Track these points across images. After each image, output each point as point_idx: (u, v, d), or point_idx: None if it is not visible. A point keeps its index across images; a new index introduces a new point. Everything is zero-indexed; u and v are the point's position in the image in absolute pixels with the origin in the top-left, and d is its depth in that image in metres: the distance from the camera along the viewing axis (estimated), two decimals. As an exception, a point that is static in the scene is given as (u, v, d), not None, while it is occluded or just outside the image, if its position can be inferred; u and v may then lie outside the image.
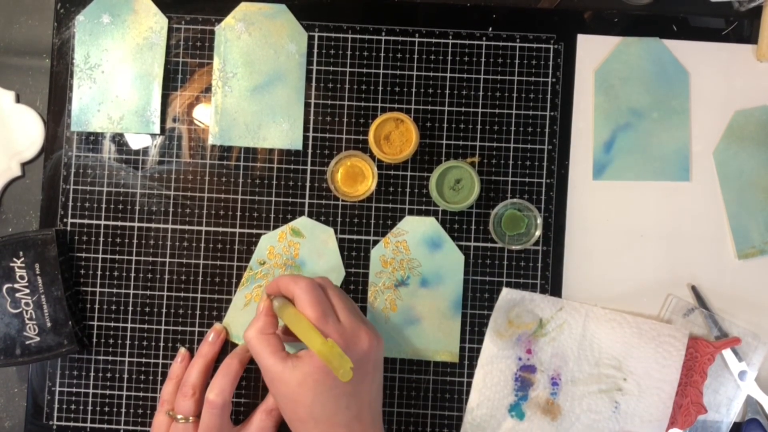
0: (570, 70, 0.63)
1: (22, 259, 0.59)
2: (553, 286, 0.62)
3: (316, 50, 0.63)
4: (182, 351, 0.61)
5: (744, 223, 0.62)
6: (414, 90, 0.62)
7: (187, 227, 0.62)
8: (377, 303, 0.61)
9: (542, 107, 0.62)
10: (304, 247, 0.62)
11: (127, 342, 0.62)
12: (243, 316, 0.61)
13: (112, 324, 0.62)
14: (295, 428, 0.53)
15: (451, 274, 0.61)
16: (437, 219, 0.62)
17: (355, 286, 0.62)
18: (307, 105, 0.62)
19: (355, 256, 0.62)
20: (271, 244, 0.62)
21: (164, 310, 0.62)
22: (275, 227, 0.62)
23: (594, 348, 0.61)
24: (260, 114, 0.62)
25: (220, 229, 0.62)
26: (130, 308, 0.62)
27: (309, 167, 0.62)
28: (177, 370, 0.60)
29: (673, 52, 0.62)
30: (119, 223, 0.62)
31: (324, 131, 0.62)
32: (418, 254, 0.61)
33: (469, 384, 0.61)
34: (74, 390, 0.62)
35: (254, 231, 0.62)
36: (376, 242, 0.62)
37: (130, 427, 0.62)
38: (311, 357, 0.51)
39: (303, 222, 0.62)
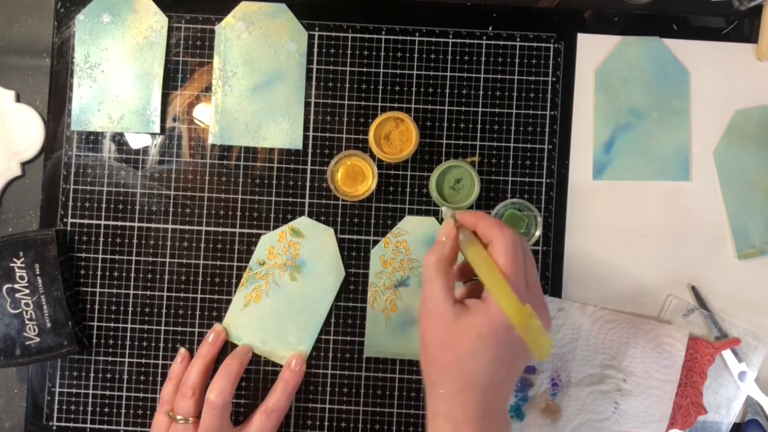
0: (570, 69, 0.63)
1: (22, 259, 0.59)
2: (553, 286, 0.62)
3: (316, 49, 0.63)
4: (182, 351, 0.61)
5: (744, 223, 0.62)
6: (414, 89, 0.62)
7: (187, 227, 0.62)
8: (377, 303, 0.61)
9: (542, 107, 0.62)
10: (304, 247, 0.62)
11: (127, 342, 0.62)
12: (243, 317, 0.61)
13: (112, 324, 0.62)
14: (430, 372, 0.49)
15: None
16: (437, 219, 0.62)
17: (355, 286, 0.62)
18: (307, 104, 0.62)
19: (355, 256, 0.62)
20: (271, 244, 0.62)
21: (164, 311, 0.62)
22: (275, 227, 0.62)
23: (594, 348, 0.61)
24: (260, 113, 0.62)
25: (220, 229, 0.62)
26: (130, 308, 0.62)
27: (309, 167, 0.62)
28: (177, 370, 0.60)
29: (674, 51, 0.62)
30: (119, 223, 0.62)
31: (324, 131, 0.62)
32: (419, 254, 0.61)
33: (469, 384, 0.61)
34: (74, 390, 0.62)
35: (254, 231, 0.62)
36: (376, 242, 0.62)
37: (130, 428, 0.62)
38: (487, 310, 0.46)
39: (303, 222, 0.62)
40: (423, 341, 0.50)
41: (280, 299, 0.61)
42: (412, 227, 0.62)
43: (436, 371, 0.48)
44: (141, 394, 0.62)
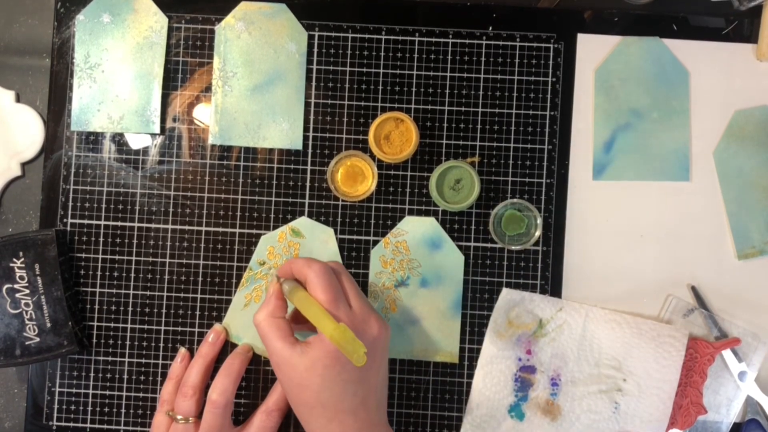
0: (570, 69, 0.63)
1: (22, 259, 0.59)
2: (553, 286, 0.62)
3: (316, 50, 0.63)
4: (182, 351, 0.61)
5: (744, 223, 0.62)
6: (414, 90, 0.62)
7: (187, 227, 0.62)
8: (377, 303, 0.61)
9: (542, 107, 0.62)
10: (304, 247, 0.62)
11: (127, 342, 0.62)
12: (243, 317, 0.61)
13: (112, 324, 0.62)
14: (300, 413, 0.53)
15: (451, 274, 0.61)
16: (437, 219, 0.62)
17: (355, 286, 0.62)
18: (307, 105, 0.62)
19: (355, 256, 0.62)
20: (271, 244, 0.62)
21: (164, 311, 0.62)
22: (275, 227, 0.62)
23: (594, 348, 0.61)
24: (260, 114, 0.62)
25: (220, 229, 0.62)
26: (130, 308, 0.62)
27: (309, 167, 0.62)
28: (177, 370, 0.60)
29: (673, 51, 0.62)
30: (119, 223, 0.62)
31: (324, 131, 0.62)
32: (418, 254, 0.61)
33: (469, 384, 0.61)
34: (74, 390, 0.62)
35: (254, 231, 0.62)
36: (376, 242, 0.62)
37: (130, 428, 0.62)
38: (321, 342, 0.50)
39: (303, 222, 0.62)
40: (284, 390, 0.54)
41: None
42: (412, 227, 0.62)
43: (304, 411, 0.52)
44: (141, 394, 0.62)
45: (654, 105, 0.62)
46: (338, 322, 0.50)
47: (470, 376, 0.61)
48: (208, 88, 0.62)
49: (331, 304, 0.51)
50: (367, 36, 0.62)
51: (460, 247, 0.61)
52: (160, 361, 0.62)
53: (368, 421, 0.53)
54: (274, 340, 0.51)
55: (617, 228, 0.62)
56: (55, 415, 0.62)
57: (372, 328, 0.53)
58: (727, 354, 0.61)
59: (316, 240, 0.62)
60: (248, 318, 0.61)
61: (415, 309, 0.61)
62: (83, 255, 0.62)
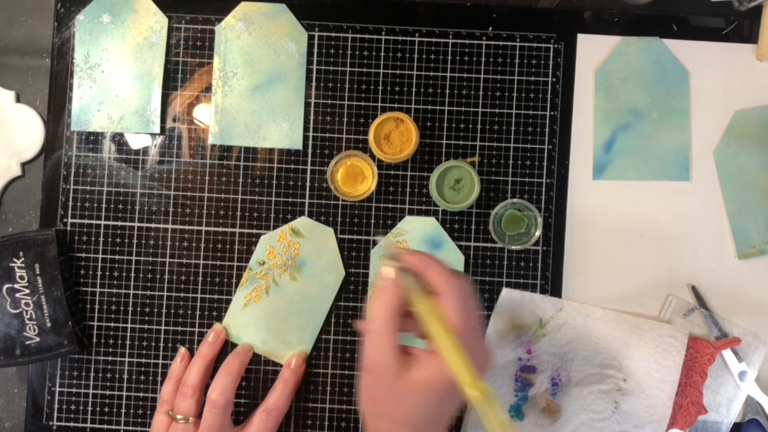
0: (570, 69, 0.63)
1: (22, 259, 0.59)
2: (553, 286, 0.62)
3: (316, 50, 0.63)
4: (182, 350, 0.61)
5: (744, 223, 0.62)
6: (414, 90, 0.62)
7: (187, 227, 0.62)
8: None
9: (542, 107, 0.62)
10: (303, 247, 0.62)
11: (127, 342, 0.62)
12: (243, 317, 0.61)
13: (112, 324, 0.62)
14: (377, 424, 0.48)
15: None
16: (437, 219, 0.62)
17: (355, 286, 0.62)
18: (307, 105, 0.62)
19: (355, 256, 0.62)
20: (271, 244, 0.62)
21: (164, 310, 0.62)
22: (275, 227, 0.62)
23: (594, 348, 0.61)
24: (260, 114, 0.62)
25: (220, 229, 0.62)
26: (130, 308, 0.62)
27: (309, 167, 0.62)
28: (177, 369, 0.60)
29: (673, 51, 0.62)
30: (119, 223, 0.62)
31: (324, 131, 0.62)
32: None
33: (469, 384, 0.61)
34: (74, 390, 0.62)
35: (254, 231, 0.62)
36: (376, 242, 0.62)
37: (130, 428, 0.62)
38: (436, 363, 0.45)
39: (303, 222, 0.62)
40: (368, 393, 0.48)
41: (280, 299, 0.61)
42: (412, 227, 0.62)
43: (384, 425, 0.47)
44: (141, 394, 0.62)
45: (654, 105, 0.62)
46: (478, 379, 0.43)
47: (470, 376, 0.61)
48: (208, 88, 0.62)
49: (467, 335, 0.45)
50: (367, 36, 0.62)
51: (460, 247, 0.61)
52: (160, 361, 0.62)
53: None
54: (384, 342, 0.46)
55: (617, 228, 0.62)
56: (55, 415, 0.62)
57: (483, 362, 0.46)
58: (727, 354, 0.61)
59: (315, 240, 0.62)
60: (248, 318, 0.61)
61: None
62: (83, 255, 0.62)
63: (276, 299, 0.61)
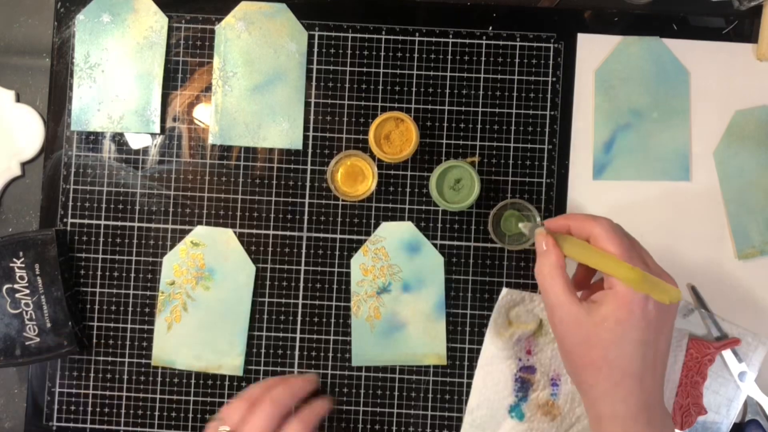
0: (570, 69, 0.63)
1: (22, 259, 0.59)
2: (553, 286, 0.62)
3: (316, 49, 0.63)
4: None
5: (744, 223, 0.62)
6: (414, 89, 0.62)
7: (187, 227, 0.62)
8: (361, 312, 0.61)
9: (542, 107, 0.62)
10: (207, 255, 0.61)
11: (127, 342, 0.62)
12: (169, 340, 0.61)
13: (112, 324, 0.62)
14: (581, 376, 0.48)
15: (432, 276, 0.61)
16: (437, 219, 0.62)
17: (348, 286, 0.62)
18: (307, 104, 0.62)
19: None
20: (176, 262, 0.61)
21: (164, 310, 0.62)
22: (275, 227, 0.62)
23: (594, 348, 0.60)
24: (260, 113, 0.62)
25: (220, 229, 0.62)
26: (130, 308, 0.62)
27: (309, 167, 0.62)
28: (255, 394, 0.55)
29: (674, 51, 0.62)
30: (119, 223, 0.62)
31: (324, 131, 0.62)
32: (398, 259, 0.61)
33: (469, 385, 0.61)
34: (74, 390, 0.62)
35: (254, 231, 0.62)
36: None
37: (130, 428, 0.62)
38: (614, 295, 0.46)
39: (199, 231, 0.61)
40: (563, 349, 0.49)
41: (199, 312, 0.61)
42: (389, 233, 0.61)
43: (587, 373, 0.48)
44: (141, 394, 0.62)
45: (654, 105, 0.62)
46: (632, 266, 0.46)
47: (470, 376, 0.61)
48: (208, 88, 0.62)
49: (628, 256, 0.47)
50: (367, 36, 0.62)
51: (459, 247, 0.61)
52: (160, 361, 0.62)
53: (653, 392, 0.47)
54: (561, 293, 0.48)
55: (617, 228, 0.62)
56: (55, 415, 0.62)
57: (673, 284, 0.48)
58: (727, 354, 0.61)
59: (217, 244, 0.61)
60: (175, 339, 0.61)
61: (400, 314, 0.61)
62: (83, 255, 0.62)
63: (196, 313, 0.61)
